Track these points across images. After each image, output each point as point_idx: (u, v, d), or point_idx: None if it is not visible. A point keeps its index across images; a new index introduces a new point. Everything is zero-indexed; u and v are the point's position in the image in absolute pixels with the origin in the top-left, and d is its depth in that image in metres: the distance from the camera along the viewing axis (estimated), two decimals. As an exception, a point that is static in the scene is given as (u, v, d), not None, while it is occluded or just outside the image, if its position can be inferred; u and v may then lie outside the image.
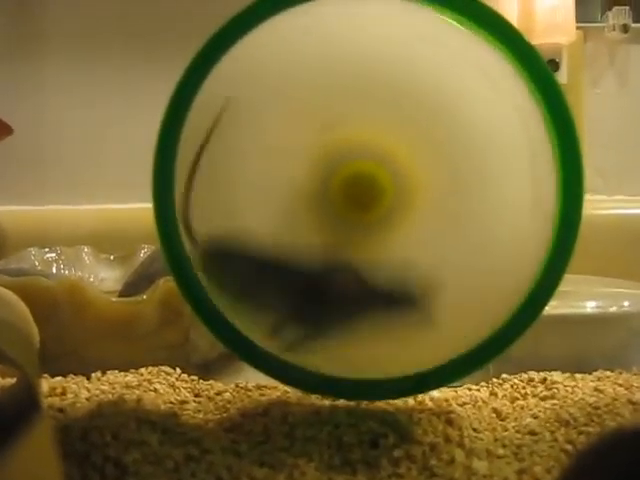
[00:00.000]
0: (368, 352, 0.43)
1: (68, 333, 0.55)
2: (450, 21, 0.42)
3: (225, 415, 0.46)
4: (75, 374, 0.54)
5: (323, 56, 0.41)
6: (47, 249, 0.78)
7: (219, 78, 0.40)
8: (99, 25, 0.91)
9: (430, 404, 0.46)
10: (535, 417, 0.46)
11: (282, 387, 0.50)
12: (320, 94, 0.42)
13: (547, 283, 0.41)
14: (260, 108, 0.42)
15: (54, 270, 0.77)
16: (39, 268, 0.76)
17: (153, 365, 0.55)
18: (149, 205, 0.85)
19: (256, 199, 0.42)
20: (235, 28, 0.40)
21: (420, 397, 0.47)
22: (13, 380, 0.51)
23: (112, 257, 0.80)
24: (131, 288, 0.64)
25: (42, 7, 0.91)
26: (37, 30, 0.91)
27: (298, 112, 0.42)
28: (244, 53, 0.40)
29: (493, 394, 0.51)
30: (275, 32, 0.40)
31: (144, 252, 0.79)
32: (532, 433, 0.43)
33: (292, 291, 0.42)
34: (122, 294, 0.64)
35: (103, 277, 0.79)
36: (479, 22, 0.41)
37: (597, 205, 0.87)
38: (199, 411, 0.47)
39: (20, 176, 0.92)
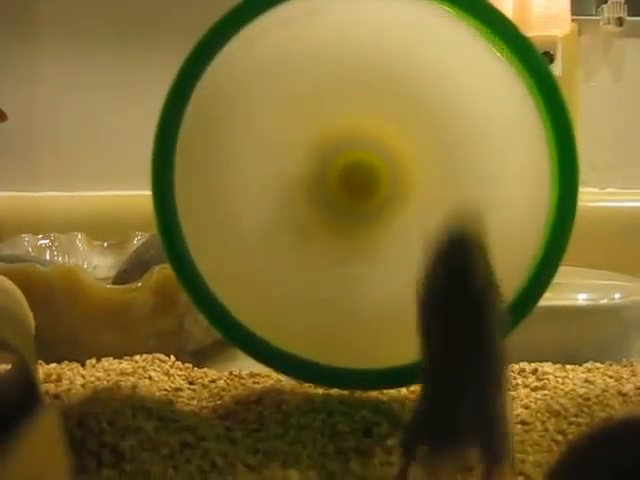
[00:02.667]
0: (363, 341, 0.44)
1: (63, 320, 0.55)
2: (447, 13, 0.42)
3: (219, 403, 0.46)
4: (69, 361, 0.54)
5: (320, 47, 0.42)
6: (41, 236, 0.79)
7: (219, 67, 0.41)
8: (94, 12, 0.91)
9: (423, 393, 0.47)
10: (526, 407, 0.46)
11: (275, 375, 0.51)
12: (317, 85, 0.42)
13: (542, 276, 0.42)
14: (257, 98, 0.42)
15: (47, 257, 0.77)
16: (33, 254, 0.76)
17: (147, 352, 0.55)
18: (142, 192, 0.85)
19: (253, 189, 0.43)
20: (234, 20, 0.40)
21: (413, 386, 0.47)
22: (8, 366, 0.51)
23: (105, 244, 0.80)
24: (125, 275, 0.64)
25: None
26: (31, 17, 0.91)
27: (295, 102, 0.43)
28: (242, 44, 0.40)
29: (485, 384, 0.51)
30: (274, 24, 0.40)
31: (137, 239, 0.79)
32: (523, 423, 0.44)
33: None
34: (116, 281, 0.65)
35: (96, 264, 0.79)
36: (475, 15, 0.42)
37: (589, 198, 0.87)
38: (193, 398, 0.47)
39: (14, 163, 0.92)
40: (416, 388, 0.47)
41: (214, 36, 0.40)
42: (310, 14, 0.41)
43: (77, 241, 0.80)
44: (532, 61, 0.42)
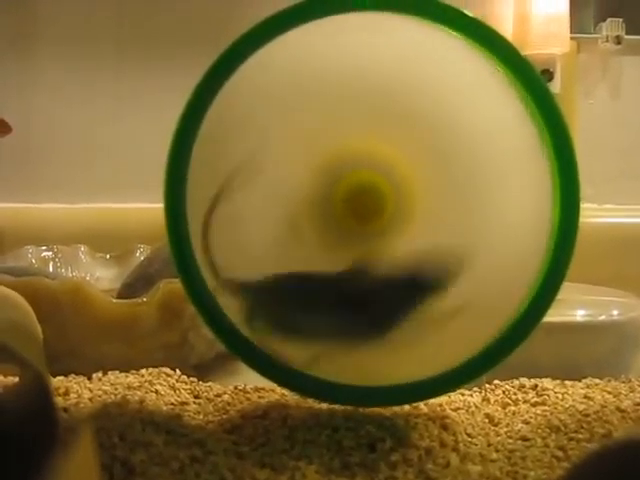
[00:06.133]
0: (367, 359, 0.44)
1: (69, 333, 0.56)
2: (448, 35, 0.43)
3: (225, 417, 0.47)
4: (75, 373, 0.54)
5: (328, 70, 0.42)
6: (44, 247, 0.79)
7: (232, 88, 0.41)
8: (92, 24, 0.92)
9: (425, 409, 0.48)
10: (526, 423, 0.47)
11: (280, 390, 0.51)
12: (324, 106, 0.43)
13: (544, 295, 0.42)
14: (267, 119, 0.43)
15: (50, 268, 0.78)
16: (36, 266, 0.77)
17: (152, 365, 0.55)
18: (145, 205, 0.86)
19: (261, 207, 0.44)
20: (248, 43, 0.41)
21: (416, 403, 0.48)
22: (15, 379, 0.52)
23: (108, 256, 0.81)
24: (130, 289, 0.65)
25: (34, 5, 0.91)
26: (30, 28, 0.91)
27: (304, 124, 0.43)
28: (255, 66, 0.41)
29: (485, 400, 0.52)
30: (283, 48, 0.41)
31: (140, 252, 0.80)
32: (524, 439, 0.44)
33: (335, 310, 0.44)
34: (121, 295, 0.65)
35: (99, 276, 0.80)
36: (475, 37, 0.42)
37: (587, 213, 0.88)
38: (199, 412, 0.48)
39: (16, 174, 0.93)
40: (419, 405, 0.48)
41: (231, 56, 0.41)
42: (318, 39, 0.42)
43: (80, 253, 0.81)
44: (531, 80, 0.42)
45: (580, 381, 0.55)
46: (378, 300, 0.44)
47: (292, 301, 0.44)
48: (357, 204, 0.44)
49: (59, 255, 0.80)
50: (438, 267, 0.43)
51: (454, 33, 0.42)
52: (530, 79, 0.42)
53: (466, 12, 0.42)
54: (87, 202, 0.92)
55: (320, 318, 0.44)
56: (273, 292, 0.44)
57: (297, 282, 0.44)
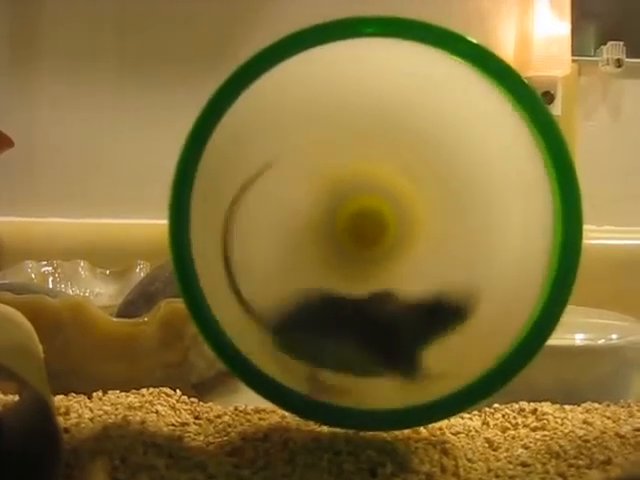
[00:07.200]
0: (367, 382, 0.44)
1: (70, 351, 0.56)
2: (450, 60, 0.43)
3: (226, 439, 0.47)
4: (75, 392, 0.54)
5: (333, 96, 0.43)
6: (44, 262, 0.79)
7: (236, 113, 0.42)
8: (94, 39, 0.92)
9: (425, 433, 0.48)
10: (526, 448, 0.47)
11: (281, 412, 0.51)
12: (329, 132, 0.44)
13: (546, 321, 0.43)
14: (272, 144, 0.43)
15: (50, 284, 0.78)
16: (35, 282, 0.77)
17: (152, 384, 0.55)
18: (146, 221, 0.86)
19: (264, 232, 0.44)
20: (252, 69, 0.41)
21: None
22: (15, 397, 0.52)
23: (108, 272, 0.81)
24: (131, 307, 0.65)
25: (38, 21, 0.91)
26: (33, 43, 0.92)
27: (307, 148, 0.44)
28: (259, 91, 0.41)
29: (485, 423, 0.52)
30: (289, 73, 0.42)
31: (140, 268, 0.80)
32: (524, 464, 0.44)
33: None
34: (121, 312, 0.65)
35: (98, 292, 0.80)
36: (477, 62, 0.43)
37: (586, 235, 0.88)
38: (199, 434, 0.48)
39: (17, 188, 0.93)
40: (419, 428, 0.48)
41: (235, 82, 0.41)
42: (324, 65, 0.42)
43: (79, 268, 0.81)
44: (532, 103, 0.43)
45: (579, 405, 0.55)
46: (403, 325, 0.44)
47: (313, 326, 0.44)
48: (359, 229, 0.44)
49: (59, 270, 0.80)
50: (459, 294, 0.43)
51: (456, 58, 0.43)
52: (531, 102, 0.43)
53: (468, 37, 0.43)
54: (87, 217, 0.92)
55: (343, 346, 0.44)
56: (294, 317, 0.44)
57: (318, 306, 0.44)
